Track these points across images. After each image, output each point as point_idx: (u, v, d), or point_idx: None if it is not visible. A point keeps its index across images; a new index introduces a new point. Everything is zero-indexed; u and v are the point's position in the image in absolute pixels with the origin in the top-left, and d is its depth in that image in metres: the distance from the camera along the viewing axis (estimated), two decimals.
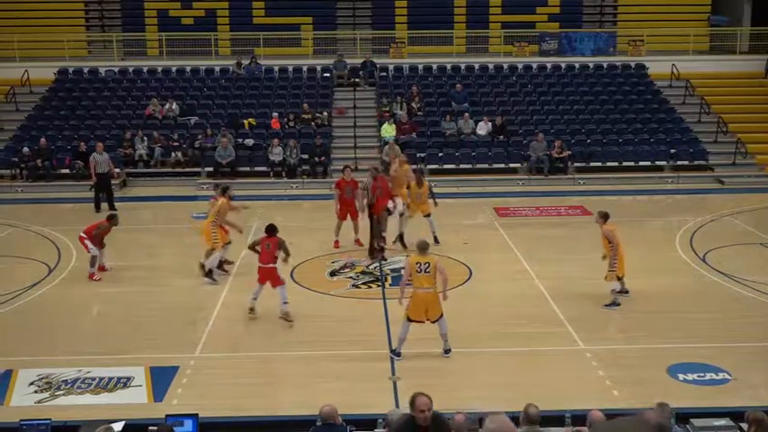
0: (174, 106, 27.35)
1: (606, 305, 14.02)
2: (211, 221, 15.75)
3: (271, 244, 13.65)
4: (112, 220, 16.43)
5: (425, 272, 11.68)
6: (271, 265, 13.59)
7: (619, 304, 14.04)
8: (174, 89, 28.76)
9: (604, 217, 14.02)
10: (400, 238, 17.53)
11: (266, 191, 24.01)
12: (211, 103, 28.21)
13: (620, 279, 14.08)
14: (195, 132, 26.22)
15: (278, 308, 13.62)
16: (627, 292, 14.44)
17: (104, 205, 21.62)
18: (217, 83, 29.46)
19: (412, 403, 7.06)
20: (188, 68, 29.89)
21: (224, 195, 16.08)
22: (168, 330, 13.29)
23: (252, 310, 13.77)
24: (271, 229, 13.79)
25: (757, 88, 29.40)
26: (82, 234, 15.92)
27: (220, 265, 16.08)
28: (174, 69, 29.88)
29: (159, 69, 29.86)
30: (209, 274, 15.65)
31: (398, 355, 11.97)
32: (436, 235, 17.59)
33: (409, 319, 11.83)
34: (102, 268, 16.22)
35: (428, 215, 17.75)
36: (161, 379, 11.34)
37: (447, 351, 12.07)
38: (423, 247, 11.92)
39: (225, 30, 32.29)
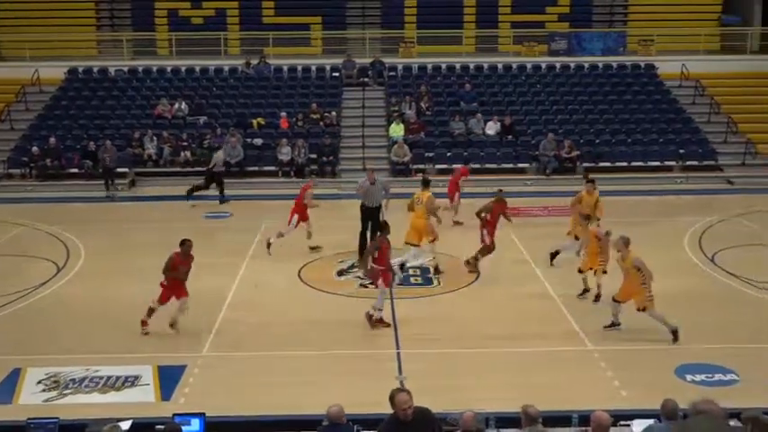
0: (183, 106, 27.41)
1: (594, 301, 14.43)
2: (424, 215, 15.91)
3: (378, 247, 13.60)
4: (184, 246, 13.14)
5: None
6: (377, 267, 13.49)
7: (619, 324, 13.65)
8: (183, 89, 28.82)
9: (587, 218, 15.23)
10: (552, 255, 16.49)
11: (275, 190, 24.03)
12: (220, 103, 28.25)
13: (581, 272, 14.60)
14: (204, 132, 26.26)
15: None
16: (588, 290, 14.63)
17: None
18: (226, 82, 29.50)
19: (392, 400, 7.10)
20: (197, 68, 29.94)
21: (427, 188, 16.41)
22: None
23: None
24: (381, 228, 14.14)
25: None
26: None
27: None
28: (183, 69, 29.93)
29: (169, 69, 29.92)
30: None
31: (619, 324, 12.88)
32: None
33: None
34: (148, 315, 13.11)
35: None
36: (169, 378, 11.38)
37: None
38: (628, 243, 12.68)
39: (235, 29, 32.31)
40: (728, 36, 31.90)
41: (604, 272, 14.21)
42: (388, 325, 13.40)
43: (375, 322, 13.30)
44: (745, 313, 14.01)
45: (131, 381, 11.33)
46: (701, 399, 5.12)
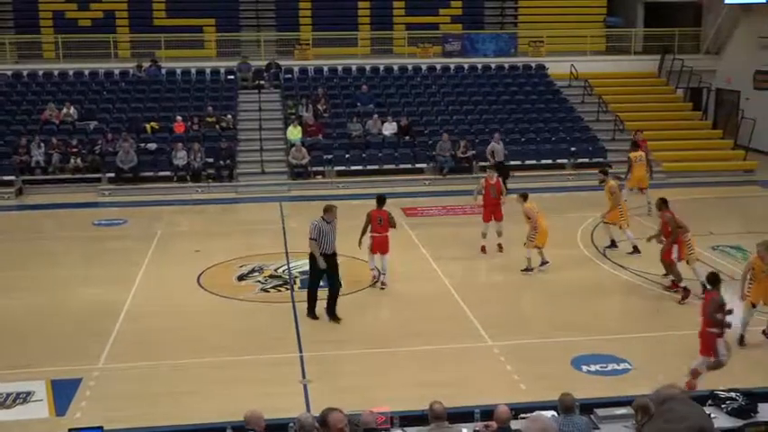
0: (72, 111, 26.52)
1: (522, 270, 15.95)
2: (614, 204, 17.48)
3: (383, 218, 14.99)
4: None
5: None
6: (385, 234, 15.04)
7: (531, 269, 15.94)
8: (71, 93, 27.87)
9: (524, 197, 16.12)
10: None
11: (171, 196, 23.57)
12: (111, 107, 27.47)
13: (539, 249, 16.01)
14: (95, 137, 25.48)
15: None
16: (547, 261, 16.13)
17: None
18: (117, 86, 28.70)
19: (324, 423, 6.32)
20: (86, 71, 29.03)
21: (607, 176, 18.24)
22: (70, 341, 12.88)
23: (375, 278, 15.38)
24: (381, 201, 15.22)
25: (651, 87, 30.52)
26: None
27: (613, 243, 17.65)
28: (71, 72, 28.97)
29: (56, 73, 28.91)
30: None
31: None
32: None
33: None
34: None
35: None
36: (63, 392, 10.99)
37: None
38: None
39: (124, 31, 31.51)
40: (613, 37, 33.12)
41: (537, 247, 15.97)
42: None
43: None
44: (635, 304, 14.57)
45: (23, 397, 10.88)
46: (662, 386, 5.23)
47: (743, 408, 8.42)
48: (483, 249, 17.43)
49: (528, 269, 15.94)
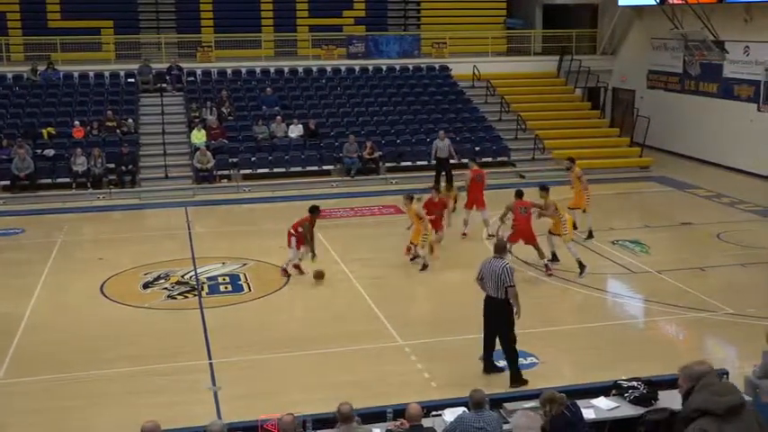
0: None
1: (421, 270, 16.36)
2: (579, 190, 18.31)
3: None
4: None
5: None
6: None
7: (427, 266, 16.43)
8: None
9: (410, 198, 16.77)
10: None
11: (71, 203, 22.85)
12: (5, 113, 26.44)
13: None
14: None
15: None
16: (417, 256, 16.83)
17: None
18: (11, 90, 27.65)
19: None
20: None
21: (574, 163, 18.76)
22: None
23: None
24: (311, 210, 16.27)
25: (551, 87, 31.30)
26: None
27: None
28: None
29: None
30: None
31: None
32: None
33: None
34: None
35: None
36: None
37: None
38: None
39: (17, 34, 30.39)
40: (514, 39, 33.84)
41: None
42: None
43: None
44: (540, 298, 14.89)
45: None
46: (692, 362, 5.39)
47: (644, 396, 8.72)
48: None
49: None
